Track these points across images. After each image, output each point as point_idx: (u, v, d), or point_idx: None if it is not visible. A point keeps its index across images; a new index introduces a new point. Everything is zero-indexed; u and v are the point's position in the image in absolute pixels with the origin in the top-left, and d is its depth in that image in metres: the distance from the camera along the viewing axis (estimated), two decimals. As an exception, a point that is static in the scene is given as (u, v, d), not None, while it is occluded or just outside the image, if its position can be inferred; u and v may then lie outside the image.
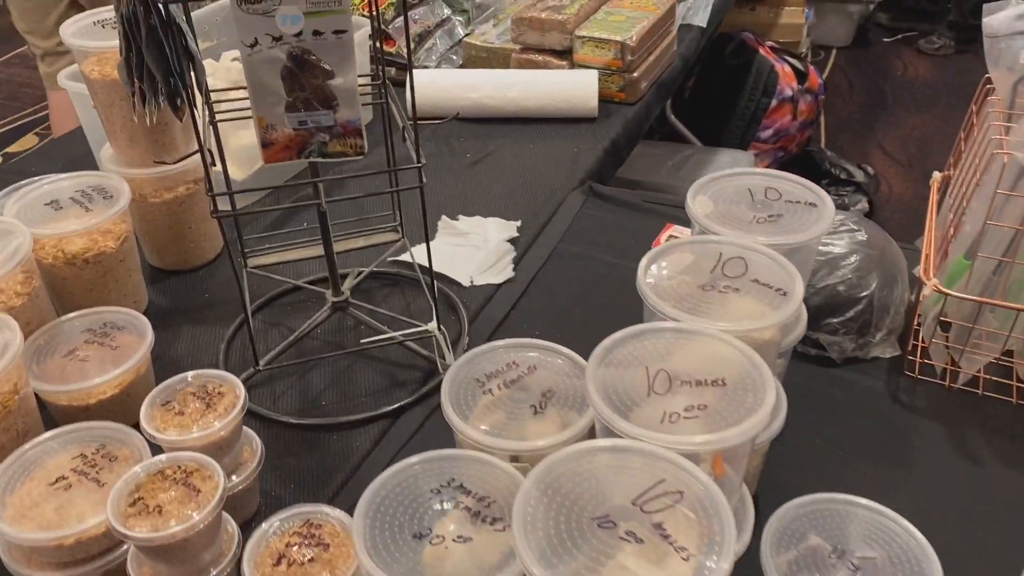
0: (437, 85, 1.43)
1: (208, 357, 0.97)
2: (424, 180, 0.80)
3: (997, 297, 0.85)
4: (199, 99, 0.76)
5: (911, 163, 2.92)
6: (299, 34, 0.66)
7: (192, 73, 0.74)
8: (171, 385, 0.76)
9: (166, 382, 0.76)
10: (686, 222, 1.18)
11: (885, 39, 3.73)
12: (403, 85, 1.47)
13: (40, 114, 3.31)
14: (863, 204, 2.47)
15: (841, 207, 2.44)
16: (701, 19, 1.72)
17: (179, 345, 1.00)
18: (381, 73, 0.91)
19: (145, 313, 1.04)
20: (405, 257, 1.08)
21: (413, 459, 0.61)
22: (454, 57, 1.59)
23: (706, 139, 2.65)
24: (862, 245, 0.91)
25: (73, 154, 1.38)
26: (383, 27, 1.47)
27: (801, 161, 2.85)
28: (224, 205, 1.00)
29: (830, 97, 3.01)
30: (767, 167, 2.80)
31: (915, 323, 0.92)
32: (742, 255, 0.72)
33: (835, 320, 0.91)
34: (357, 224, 1.05)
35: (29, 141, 3.15)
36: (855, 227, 0.92)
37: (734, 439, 0.55)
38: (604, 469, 0.54)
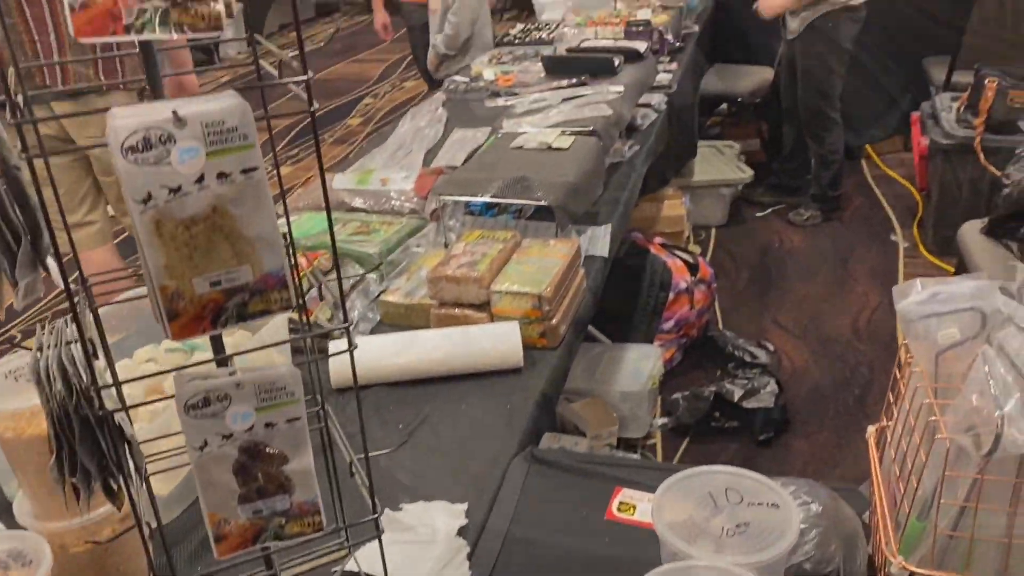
0: (363, 356, 1.42)
1: None
2: (382, 529, 0.77)
3: (958, 558, 0.87)
4: (135, 480, 0.72)
5: (805, 334, 3.06)
6: (250, 428, 0.63)
7: (128, 456, 0.70)
8: None
9: None
10: (633, 483, 1.18)
11: (757, 214, 4.00)
12: (324, 351, 1.45)
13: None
14: (772, 386, 2.55)
15: (752, 392, 2.55)
16: (603, 249, 1.79)
17: None
18: (320, 399, 0.88)
19: None
20: (351, 566, 1.02)
21: None
22: (371, 315, 1.59)
23: (613, 336, 2.72)
24: (818, 517, 0.92)
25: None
26: (302, 300, 1.47)
27: (704, 345, 2.95)
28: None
29: (718, 277, 3.17)
30: (673, 355, 2.88)
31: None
32: (723, 583, 0.71)
33: (807, 598, 0.90)
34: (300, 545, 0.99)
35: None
36: (808, 498, 0.93)
37: None
38: None
